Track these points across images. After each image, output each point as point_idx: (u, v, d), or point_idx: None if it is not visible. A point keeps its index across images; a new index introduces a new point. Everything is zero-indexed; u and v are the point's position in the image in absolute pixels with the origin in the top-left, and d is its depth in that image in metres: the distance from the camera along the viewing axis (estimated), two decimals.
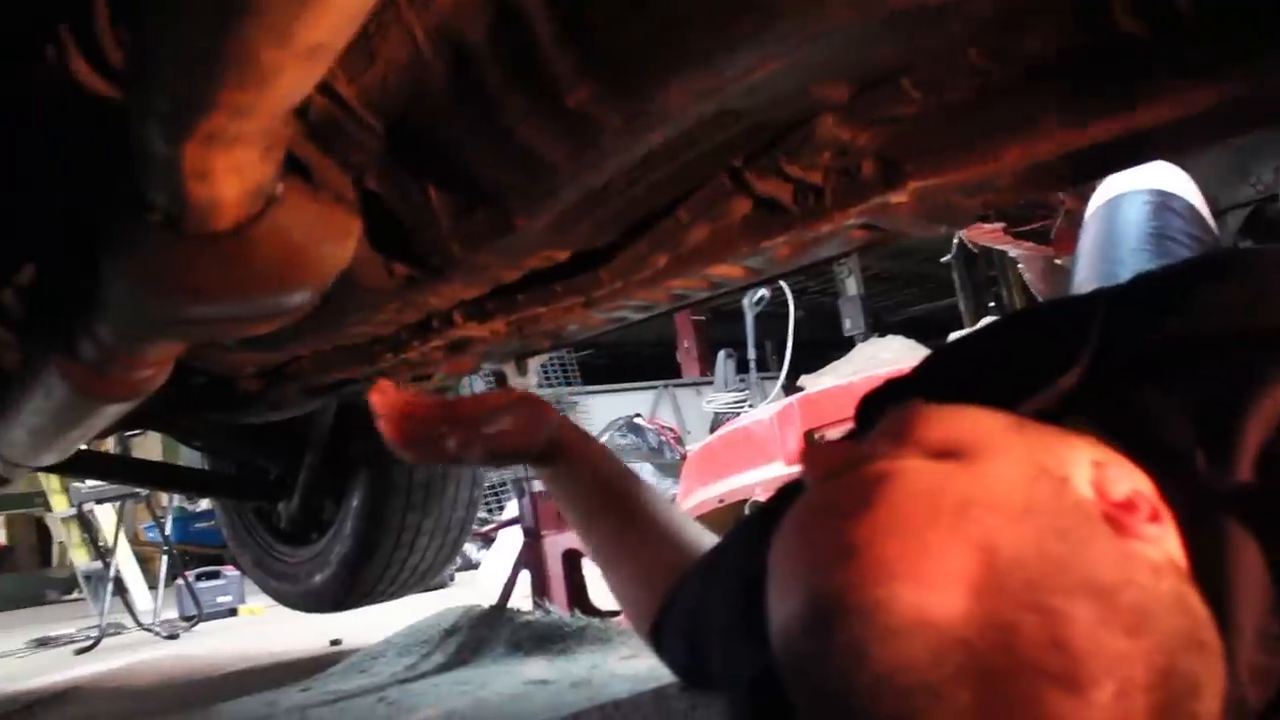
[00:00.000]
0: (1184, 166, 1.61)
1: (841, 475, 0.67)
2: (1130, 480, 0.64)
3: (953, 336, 2.45)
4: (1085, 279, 1.58)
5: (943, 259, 5.25)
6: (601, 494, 1.25)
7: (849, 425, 1.04)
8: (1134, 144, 0.77)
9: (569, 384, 9.81)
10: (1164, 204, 1.56)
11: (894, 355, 4.49)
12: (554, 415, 1.27)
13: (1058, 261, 2.65)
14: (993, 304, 5.50)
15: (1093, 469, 0.64)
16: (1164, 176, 1.59)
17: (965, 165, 0.77)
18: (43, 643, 4.77)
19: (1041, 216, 2.39)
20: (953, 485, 0.62)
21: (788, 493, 1.03)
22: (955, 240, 4.37)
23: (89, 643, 4.40)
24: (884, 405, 0.78)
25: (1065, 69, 0.69)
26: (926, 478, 0.63)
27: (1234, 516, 0.63)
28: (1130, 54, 0.64)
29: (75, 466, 2.45)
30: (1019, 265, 3.15)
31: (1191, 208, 1.58)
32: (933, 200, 0.88)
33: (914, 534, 0.59)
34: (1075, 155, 0.80)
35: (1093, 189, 1.69)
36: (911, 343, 4.91)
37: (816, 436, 2.56)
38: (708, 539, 1.21)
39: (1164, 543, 0.61)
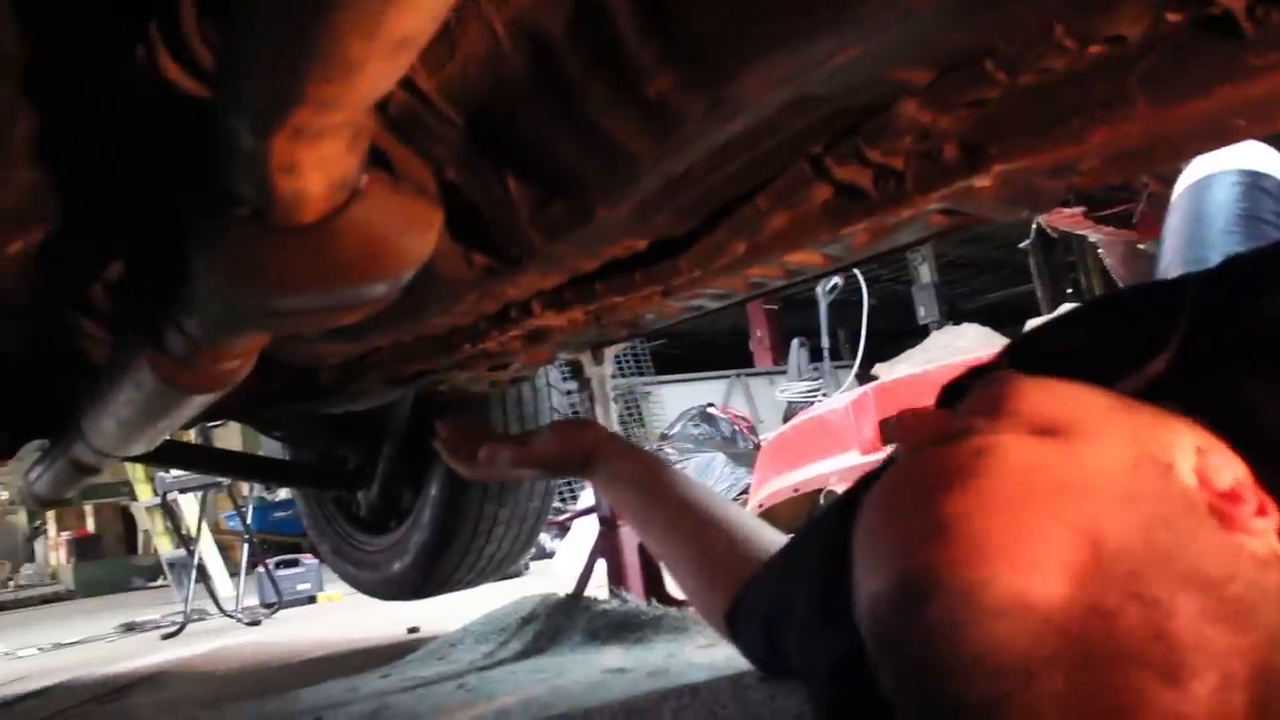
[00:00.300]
0: (1276, 145, 1.57)
1: (931, 447, 0.66)
2: (1232, 469, 0.62)
3: (1031, 324, 2.42)
4: (1172, 263, 1.55)
5: (1019, 245, 5.18)
6: (646, 498, 1.32)
7: None
8: (1224, 123, 0.75)
9: (642, 374, 9.85)
10: (1255, 184, 1.52)
11: (969, 344, 4.45)
12: (593, 432, 1.41)
13: (1140, 246, 2.59)
14: (1071, 290, 5.42)
15: (1196, 456, 0.62)
16: (1254, 156, 1.55)
17: (1050, 147, 0.76)
18: (130, 628, 4.91)
19: (1124, 200, 2.35)
20: (1053, 465, 0.61)
21: (866, 483, 1.02)
22: (1034, 225, 4.30)
23: (174, 628, 4.51)
24: (966, 394, 0.77)
25: (1155, 47, 0.67)
26: (1025, 454, 0.62)
27: None
28: (1224, 30, 0.63)
29: (160, 456, 2.50)
30: (1099, 250, 3.09)
31: None
32: (1016, 183, 0.87)
33: (1012, 513, 0.58)
34: (1162, 136, 0.78)
35: (1178, 171, 1.66)
36: (987, 331, 4.86)
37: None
38: (766, 533, 1.23)
39: (1268, 536, 0.60)
